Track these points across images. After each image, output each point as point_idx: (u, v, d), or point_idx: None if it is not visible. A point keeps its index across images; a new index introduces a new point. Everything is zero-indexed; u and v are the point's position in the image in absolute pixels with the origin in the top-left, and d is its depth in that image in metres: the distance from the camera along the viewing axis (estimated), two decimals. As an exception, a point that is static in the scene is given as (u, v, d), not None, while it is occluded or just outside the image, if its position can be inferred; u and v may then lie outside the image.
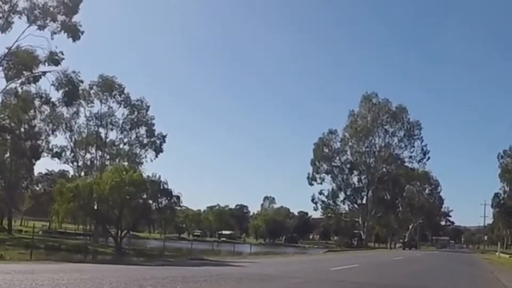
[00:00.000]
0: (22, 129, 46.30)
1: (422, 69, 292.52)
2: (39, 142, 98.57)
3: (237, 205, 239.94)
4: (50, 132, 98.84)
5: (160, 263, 31.03)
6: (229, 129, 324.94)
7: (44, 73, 38.86)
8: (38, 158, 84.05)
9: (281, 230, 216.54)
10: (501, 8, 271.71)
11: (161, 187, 61.95)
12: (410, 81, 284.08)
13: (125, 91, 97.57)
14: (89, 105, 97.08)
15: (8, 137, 50.14)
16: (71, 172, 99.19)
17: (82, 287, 16.19)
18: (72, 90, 39.30)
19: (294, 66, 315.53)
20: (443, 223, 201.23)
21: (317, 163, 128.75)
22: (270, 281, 17.66)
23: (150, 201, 61.70)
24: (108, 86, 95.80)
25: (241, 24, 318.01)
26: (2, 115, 44.53)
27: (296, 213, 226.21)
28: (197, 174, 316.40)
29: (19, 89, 39.68)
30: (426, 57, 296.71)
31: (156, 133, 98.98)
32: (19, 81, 39.17)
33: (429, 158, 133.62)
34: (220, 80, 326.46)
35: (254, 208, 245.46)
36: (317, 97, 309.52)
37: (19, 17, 38.88)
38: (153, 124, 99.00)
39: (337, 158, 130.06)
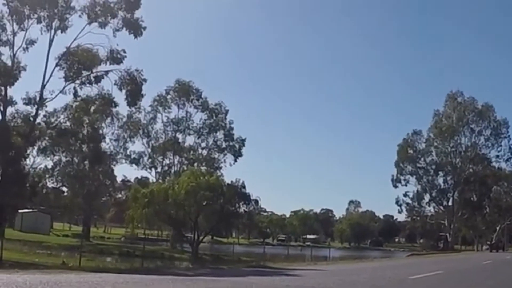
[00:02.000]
0: (85, 131, 45.44)
1: (508, 66, 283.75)
2: (116, 147, 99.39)
3: (322, 209, 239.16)
4: (128, 139, 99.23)
5: (205, 272, 28.81)
6: (314, 133, 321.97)
7: (106, 72, 37.69)
8: (100, 161, 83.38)
9: (366, 233, 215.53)
10: None
11: (239, 191, 60.71)
12: (496, 79, 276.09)
13: (203, 96, 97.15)
14: (166, 111, 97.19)
15: (71, 140, 48.99)
16: (151, 179, 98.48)
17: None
18: (135, 89, 38.15)
19: (378, 68, 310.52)
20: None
21: (401, 164, 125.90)
22: None
23: (229, 206, 60.37)
24: (185, 91, 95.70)
25: (323, 24, 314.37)
26: (63, 118, 43.42)
27: (381, 217, 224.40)
28: (281, 178, 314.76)
29: (79, 89, 38.32)
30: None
31: (235, 137, 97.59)
32: (78, 81, 37.78)
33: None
34: (304, 78, 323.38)
35: (339, 212, 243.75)
36: (400, 97, 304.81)
37: (80, 16, 37.60)
38: (232, 128, 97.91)
39: (422, 159, 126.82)
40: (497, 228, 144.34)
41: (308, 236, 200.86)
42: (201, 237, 60.63)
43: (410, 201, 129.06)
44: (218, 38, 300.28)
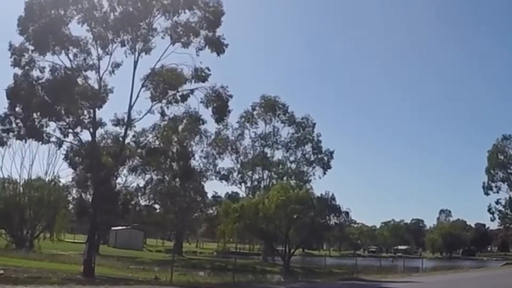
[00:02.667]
0: (175, 150, 45.81)
1: None
2: (205, 164, 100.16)
3: (413, 219, 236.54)
4: (217, 155, 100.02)
5: (297, 286, 28.52)
6: (401, 142, 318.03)
7: (192, 90, 37.93)
8: (189, 178, 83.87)
9: (458, 243, 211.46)
10: None
11: (329, 204, 60.64)
12: None
13: (289, 110, 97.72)
14: (253, 126, 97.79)
15: (161, 159, 49.40)
16: (241, 194, 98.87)
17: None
18: (221, 106, 38.17)
19: (465, 72, 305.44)
20: None
21: (492, 171, 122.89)
22: None
23: (319, 219, 60.30)
24: (271, 106, 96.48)
25: (414, 28, 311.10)
26: (151, 137, 43.86)
27: (473, 225, 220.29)
28: (370, 190, 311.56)
29: (165, 109, 38.71)
30: None
31: (323, 149, 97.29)
32: (164, 101, 38.20)
33: None
34: (389, 91, 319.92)
35: (430, 222, 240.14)
36: (489, 102, 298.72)
37: (162, 37, 38.03)
38: (320, 141, 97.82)
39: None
40: None
41: (399, 247, 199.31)
42: (292, 250, 60.68)
43: (502, 209, 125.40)
44: (301, 51, 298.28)
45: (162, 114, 39.46)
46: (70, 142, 39.13)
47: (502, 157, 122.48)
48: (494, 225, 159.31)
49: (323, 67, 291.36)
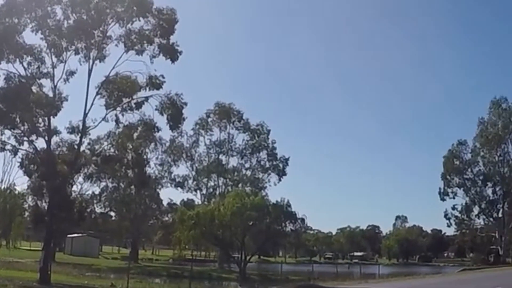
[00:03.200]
0: (130, 157, 46.25)
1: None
2: (160, 171, 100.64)
3: (369, 225, 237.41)
4: (172, 163, 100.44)
5: None
6: (357, 148, 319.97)
7: (146, 98, 38.31)
8: (144, 186, 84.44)
9: (414, 249, 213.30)
10: None
11: (285, 210, 61.25)
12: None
13: (244, 117, 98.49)
14: (208, 133, 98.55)
15: (116, 167, 49.80)
16: (197, 201, 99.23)
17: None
18: (176, 113, 38.56)
19: (420, 78, 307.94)
20: None
21: (448, 176, 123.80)
22: None
23: (275, 225, 60.93)
24: (225, 113, 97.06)
25: (361, 44, 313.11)
26: (106, 144, 44.15)
27: (429, 231, 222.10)
28: (326, 196, 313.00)
29: (120, 116, 39.02)
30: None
31: (278, 156, 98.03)
32: (119, 108, 38.50)
33: None
34: (344, 97, 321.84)
35: (386, 228, 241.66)
36: (443, 108, 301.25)
37: (116, 45, 38.31)
38: (275, 148, 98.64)
39: (469, 170, 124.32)
40: None
41: (355, 253, 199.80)
42: (248, 257, 61.13)
43: (458, 214, 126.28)
44: (256, 57, 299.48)
45: (117, 121, 39.73)
46: (25, 150, 39.41)
47: (457, 163, 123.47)
48: (450, 231, 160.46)
49: (277, 73, 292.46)
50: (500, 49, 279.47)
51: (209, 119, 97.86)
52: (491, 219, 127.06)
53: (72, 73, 38.28)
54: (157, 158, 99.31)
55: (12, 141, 38.34)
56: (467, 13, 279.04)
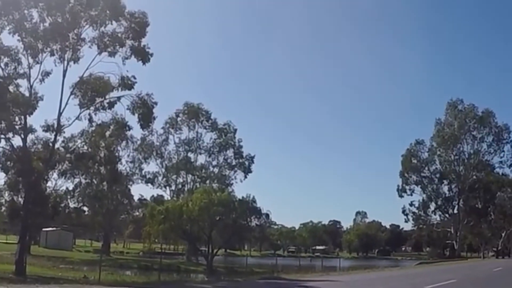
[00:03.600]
0: (102, 154, 46.30)
1: (505, 72, 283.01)
2: (132, 168, 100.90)
3: (330, 221, 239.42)
4: (142, 160, 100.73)
5: (220, 285, 28.81)
6: (319, 146, 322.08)
7: (119, 98, 38.42)
8: (116, 182, 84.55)
9: (374, 243, 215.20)
10: None
11: (250, 206, 61.59)
12: (494, 85, 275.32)
13: (212, 116, 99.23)
14: (177, 132, 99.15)
15: (89, 163, 49.85)
16: (166, 197, 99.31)
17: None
18: (147, 113, 38.71)
19: (379, 78, 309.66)
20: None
21: (406, 174, 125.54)
22: None
23: (241, 220, 61.21)
24: (194, 113, 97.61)
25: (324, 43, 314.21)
26: (80, 142, 44.20)
27: (387, 226, 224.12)
28: (290, 192, 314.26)
29: (93, 115, 39.13)
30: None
31: (244, 154, 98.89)
32: (92, 107, 38.61)
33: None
34: (307, 97, 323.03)
35: (346, 223, 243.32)
36: (402, 109, 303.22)
37: (90, 47, 38.37)
38: (241, 146, 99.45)
39: (426, 168, 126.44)
40: (503, 234, 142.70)
41: (317, 247, 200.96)
42: (215, 250, 61.32)
43: (416, 210, 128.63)
44: (223, 58, 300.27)
45: (90, 120, 39.79)
46: (2, 147, 39.41)
47: (415, 161, 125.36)
48: (408, 226, 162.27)
49: (244, 74, 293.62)
50: (457, 53, 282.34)
51: (179, 119, 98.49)
52: (447, 215, 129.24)
53: (47, 73, 38.29)
54: (128, 156, 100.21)
55: (-12, 139, 38.28)
56: (428, 19, 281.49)
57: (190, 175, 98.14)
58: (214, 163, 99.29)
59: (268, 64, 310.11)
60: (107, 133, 43.11)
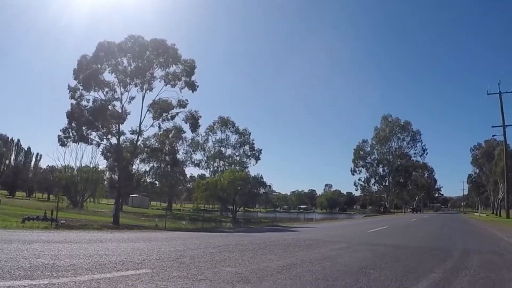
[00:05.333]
0: (167, 148, 46.05)
1: (426, 94, 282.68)
2: (185, 157, 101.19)
3: (309, 189, 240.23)
4: (192, 152, 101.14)
5: (240, 229, 28.82)
6: (306, 139, 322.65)
7: (177, 113, 38.34)
8: (176, 165, 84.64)
9: (336, 204, 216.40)
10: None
11: (259, 180, 62.36)
12: (413, 101, 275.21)
13: (236, 125, 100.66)
14: (214, 134, 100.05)
15: (159, 154, 49.69)
16: (207, 175, 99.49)
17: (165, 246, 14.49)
18: (195, 123, 38.75)
19: (347, 101, 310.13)
20: (436, 195, 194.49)
21: (356, 161, 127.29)
22: (317, 247, 14.67)
23: (253, 189, 61.44)
24: (224, 122, 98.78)
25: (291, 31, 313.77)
26: (153, 141, 44.11)
27: (345, 193, 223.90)
28: (285, 170, 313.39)
29: (161, 124, 39.02)
30: (429, 84, 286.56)
31: (255, 148, 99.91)
32: (160, 119, 38.51)
33: (427, 153, 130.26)
34: (299, 104, 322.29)
35: (319, 191, 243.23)
36: (354, 117, 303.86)
37: (159, 81, 38.37)
38: (254, 143, 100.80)
39: (369, 157, 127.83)
40: (416, 198, 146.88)
41: (301, 206, 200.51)
42: (237, 208, 61.46)
43: (362, 183, 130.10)
44: (245, 84, 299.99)
45: (159, 127, 39.50)
46: (104, 144, 39.08)
47: (362, 153, 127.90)
48: (357, 193, 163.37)
49: (259, 93, 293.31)
50: (391, 81, 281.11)
51: (215, 126, 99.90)
52: (382, 186, 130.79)
53: (132, 98, 37.99)
54: (183, 149, 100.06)
55: (97, 139, 38.05)
56: (378, 45, 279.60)
57: (221, 162, 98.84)
58: (237, 154, 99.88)
59: (273, 87, 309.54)
60: (170, 135, 42.81)
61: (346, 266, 10.60)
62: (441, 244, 18.12)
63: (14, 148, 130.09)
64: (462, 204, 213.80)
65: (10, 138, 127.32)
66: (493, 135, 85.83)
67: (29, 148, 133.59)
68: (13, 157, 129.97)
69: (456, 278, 9.34)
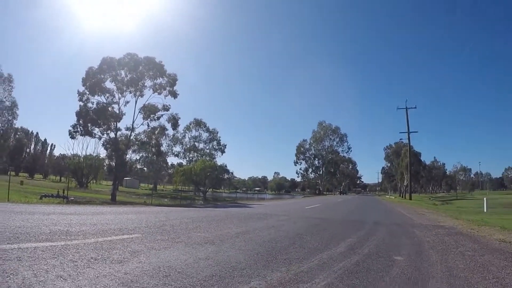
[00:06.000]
0: (153, 142, 45.57)
1: (354, 106, 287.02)
2: (167, 149, 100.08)
3: (262, 176, 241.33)
4: (173, 145, 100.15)
5: (209, 206, 28.92)
6: (260, 135, 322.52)
7: (162, 115, 38.46)
8: (160, 156, 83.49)
9: (283, 187, 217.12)
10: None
11: (224, 168, 62.44)
12: (338, 108, 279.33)
13: (207, 125, 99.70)
14: (189, 132, 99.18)
15: (147, 147, 49.40)
16: (184, 163, 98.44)
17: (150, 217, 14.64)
18: (175, 122, 38.89)
19: (287, 103, 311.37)
20: (358, 181, 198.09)
21: (298, 155, 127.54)
22: (266, 219, 15.24)
23: (219, 175, 61.46)
24: (198, 123, 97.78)
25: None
26: (143, 136, 43.65)
27: (289, 179, 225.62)
28: (245, 160, 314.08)
29: (149, 123, 38.83)
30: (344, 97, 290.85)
31: (221, 143, 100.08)
32: (149, 119, 38.28)
33: (351, 150, 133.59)
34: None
35: (270, 177, 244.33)
36: (297, 121, 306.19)
37: (148, 90, 38.23)
38: (220, 139, 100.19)
39: (308, 152, 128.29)
40: (343, 183, 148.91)
41: (256, 188, 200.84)
42: (207, 190, 61.26)
43: (302, 172, 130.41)
44: (217, 89, 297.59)
45: (148, 125, 39.43)
46: (105, 138, 38.61)
47: (302, 149, 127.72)
48: (298, 179, 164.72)
49: (228, 98, 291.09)
50: (325, 87, 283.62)
51: (190, 125, 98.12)
52: (317, 175, 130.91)
53: (127, 102, 37.64)
54: (166, 143, 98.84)
55: (99, 133, 37.61)
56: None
57: (195, 153, 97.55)
58: (207, 147, 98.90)
59: (238, 93, 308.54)
60: (156, 132, 42.47)
61: (287, 232, 11.01)
62: (358, 218, 18.68)
63: (33, 139, 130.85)
64: (377, 189, 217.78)
65: (30, 131, 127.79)
66: (400, 139, 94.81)
67: (45, 139, 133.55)
68: (32, 146, 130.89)
69: (367, 242, 9.85)
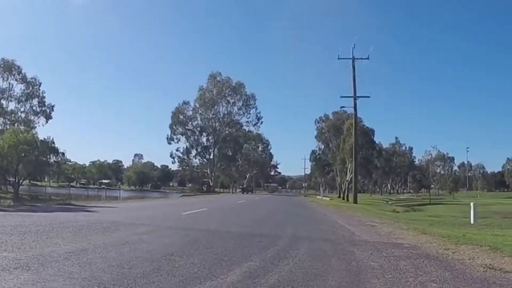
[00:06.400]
0: None
1: (266, 52, 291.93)
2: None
3: (114, 160, 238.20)
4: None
5: (23, 208, 28.22)
6: (113, 99, 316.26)
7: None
8: None
9: (148, 179, 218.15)
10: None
11: (50, 146, 61.80)
12: (245, 61, 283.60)
13: (23, 71, 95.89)
14: None
15: None
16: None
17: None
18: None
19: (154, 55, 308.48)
20: (272, 173, 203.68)
21: (174, 127, 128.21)
22: (117, 230, 15.05)
23: (42, 157, 60.52)
24: (8, 67, 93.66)
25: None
26: None
27: (159, 166, 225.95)
28: (85, 135, 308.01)
29: None
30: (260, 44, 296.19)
31: (46, 103, 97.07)
32: None
33: (262, 122, 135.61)
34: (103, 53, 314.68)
35: (127, 162, 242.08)
36: (173, 76, 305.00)
37: None
38: (44, 97, 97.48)
39: (190, 123, 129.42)
40: (247, 176, 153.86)
41: (104, 181, 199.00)
42: (21, 181, 60.12)
43: (181, 155, 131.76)
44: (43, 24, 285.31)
45: None
46: None
47: (182, 117, 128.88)
48: (174, 167, 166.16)
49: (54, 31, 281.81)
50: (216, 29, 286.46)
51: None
52: (205, 160, 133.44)
53: None
54: None
55: None
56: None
57: (1, 118, 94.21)
58: (22, 109, 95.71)
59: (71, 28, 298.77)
60: None
61: (148, 253, 11.34)
62: (267, 231, 19.27)
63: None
64: (304, 185, 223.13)
65: None
66: (342, 107, 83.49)
67: None
68: None
69: (275, 267, 10.10)
